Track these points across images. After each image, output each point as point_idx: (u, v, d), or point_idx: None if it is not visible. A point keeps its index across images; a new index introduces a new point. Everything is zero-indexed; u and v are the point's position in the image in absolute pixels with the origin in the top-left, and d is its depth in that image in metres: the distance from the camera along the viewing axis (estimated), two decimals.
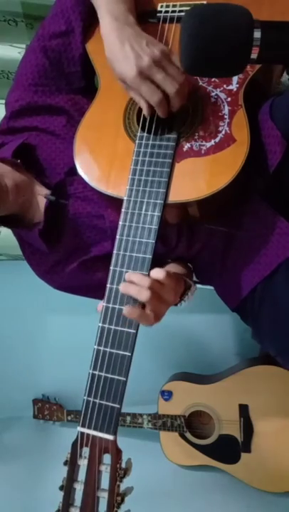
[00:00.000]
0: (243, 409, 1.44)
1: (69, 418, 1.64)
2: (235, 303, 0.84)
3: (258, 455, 1.43)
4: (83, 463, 0.59)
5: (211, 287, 0.92)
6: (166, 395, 1.53)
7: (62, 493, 0.58)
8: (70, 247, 0.83)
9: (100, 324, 0.63)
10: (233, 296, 0.83)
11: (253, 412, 1.43)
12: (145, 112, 0.69)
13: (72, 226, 0.82)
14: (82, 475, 0.58)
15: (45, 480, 1.45)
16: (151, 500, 1.33)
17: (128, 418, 1.55)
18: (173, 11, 0.76)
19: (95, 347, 0.63)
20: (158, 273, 0.62)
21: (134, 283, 0.62)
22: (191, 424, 1.54)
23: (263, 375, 1.43)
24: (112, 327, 0.63)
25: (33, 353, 1.69)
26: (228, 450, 1.46)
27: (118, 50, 0.67)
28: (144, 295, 0.60)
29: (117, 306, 0.63)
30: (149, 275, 0.63)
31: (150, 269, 0.64)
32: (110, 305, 0.64)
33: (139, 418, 1.54)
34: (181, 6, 0.75)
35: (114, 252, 0.66)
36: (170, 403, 1.53)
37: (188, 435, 1.51)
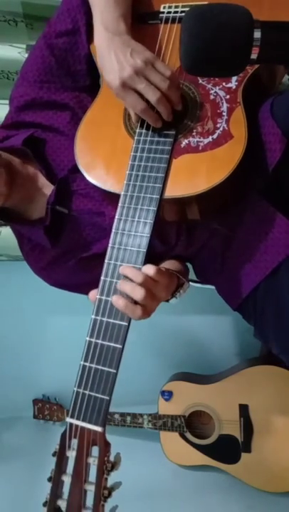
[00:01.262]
0: (243, 409, 1.44)
1: None
2: (236, 302, 0.84)
3: (258, 455, 1.43)
4: (72, 454, 0.58)
5: (212, 287, 0.91)
6: (167, 395, 1.53)
7: (50, 485, 0.57)
8: (70, 243, 0.84)
9: (93, 316, 0.64)
10: (234, 295, 0.83)
11: (253, 412, 1.43)
12: (133, 119, 0.72)
13: (73, 223, 0.82)
14: (70, 467, 0.58)
15: (45, 480, 1.45)
16: (151, 500, 1.33)
17: (128, 418, 1.55)
18: (175, 12, 0.76)
19: (87, 338, 0.63)
20: (149, 269, 0.63)
21: (128, 277, 0.62)
22: (191, 424, 1.54)
23: (263, 375, 1.43)
24: (105, 319, 0.63)
25: (33, 353, 1.69)
26: (228, 450, 1.46)
27: (106, 60, 0.68)
28: (137, 293, 0.61)
29: (110, 299, 0.63)
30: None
31: (144, 264, 0.64)
32: (104, 297, 0.64)
33: (140, 418, 1.54)
34: (183, 6, 0.76)
35: (110, 245, 0.67)
36: (170, 403, 1.53)
37: (188, 435, 1.51)
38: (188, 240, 0.83)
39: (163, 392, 1.54)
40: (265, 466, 1.43)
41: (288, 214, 0.77)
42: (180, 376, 1.58)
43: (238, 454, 1.45)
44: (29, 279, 0.91)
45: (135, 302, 0.62)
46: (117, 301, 0.61)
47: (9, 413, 1.71)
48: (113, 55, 0.67)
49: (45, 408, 1.67)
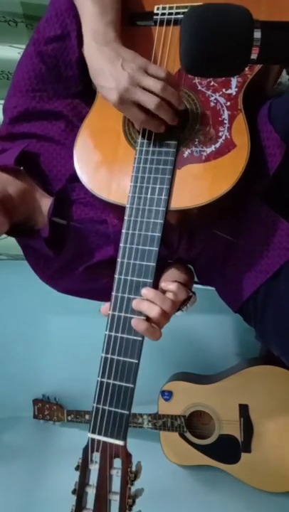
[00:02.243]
0: (243, 409, 1.44)
1: (69, 418, 1.64)
2: (237, 305, 0.84)
3: (259, 455, 1.43)
4: (94, 467, 0.60)
5: (212, 287, 0.92)
6: (167, 395, 1.53)
7: (74, 497, 0.59)
8: (74, 252, 0.83)
9: (107, 332, 0.64)
10: (235, 298, 0.83)
11: (253, 412, 1.43)
12: (137, 127, 0.71)
13: (76, 232, 0.82)
14: (93, 479, 0.60)
15: (45, 480, 1.45)
16: (151, 500, 1.33)
17: None
18: (170, 13, 0.75)
19: (103, 355, 0.63)
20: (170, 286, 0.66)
21: (155, 303, 0.63)
22: (191, 424, 1.54)
23: (263, 375, 1.43)
24: (119, 335, 0.63)
25: (33, 353, 1.69)
26: (228, 450, 1.46)
27: (98, 74, 0.68)
28: (153, 311, 0.62)
29: (122, 314, 0.64)
30: (158, 287, 0.65)
31: (154, 277, 0.65)
32: (116, 313, 0.64)
33: (139, 418, 1.54)
34: (178, 8, 0.74)
35: (119, 260, 0.66)
36: (170, 403, 1.53)
37: (188, 435, 1.52)
38: (189, 243, 0.83)
39: (163, 392, 1.54)
40: (265, 466, 1.43)
41: None
42: (180, 376, 1.58)
43: (238, 454, 1.45)
44: (29, 279, 0.91)
45: (147, 319, 0.63)
46: (138, 324, 0.62)
47: (9, 413, 1.71)
48: (105, 68, 0.66)
49: (45, 408, 1.68)
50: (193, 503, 1.45)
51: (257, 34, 0.46)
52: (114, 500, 0.58)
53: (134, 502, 0.57)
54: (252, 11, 0.47)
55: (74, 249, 0.83)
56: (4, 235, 0.80)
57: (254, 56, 0.47)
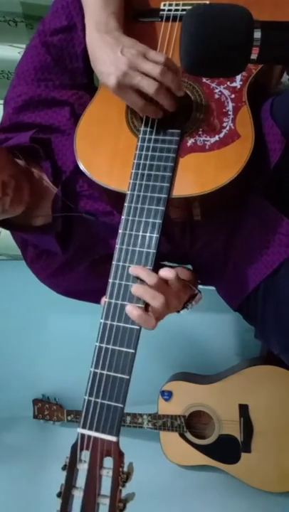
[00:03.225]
0: (243, 409, 1.44)
1: (69, 418, 1.64)
2: (237, 303, 0.84)
3: (258, 455, 1.43)
4: (83, 467, 0.56)
5: (212, 287, 0.92)
6: (166, 395, 1.53)
7: (59, 501, 0.54)
8: (80, 246, 0.82)
9: (102, 320, 0.61)
10: (235, 295, 0.83)
11: (253, 412, 1.43)
12: (140, 114, 0.71)
13: (83, 225, 0.81)
14: (81, 480, 0.55)
15: (45, 480, 1.45)
16: (151, 500, 1.33)
17: (128, 418, 1.55)
18: (176, 10, 0.75)
19: (97, 344, 0.61)
20: (168, 273, 0.61)
21: (140, 278, 0.61)
22: (191, 424, 1.54)
23: (263, 375, 1.43)
24: (115, 323, 0.61)
25: (33, 353, 1.69)
26: (228, 450, 1.46)
27: (98, 62, 0.68)
28: (157, 300, 0.59)
29: (119, 302, 0.61)
30: (156, 272, 0.61)
31: (154, 265, 0.63)
32: (113, 300, 0.62)
33: (139, 418, 1.54)
34: (184, 4, 0.75)
35: (117, 246, 0.65)
36: (170, 403, 1.53)
37: (188, 435, 1.51)
38: (191, 237, 0.82)
39: (163, 392, 1.54)
40: (265, 466, 1.43)
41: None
42: (180, 376, 1.58)
43: (238, 454, 1.45)
44: (29, 278, 0.90)
45: (146, 308, 0.61)
46: (132, 310, 0.59)
47: (9, 413, 1.71)
48: (105, 55, 0.66)
49: (45, 408, 1.67)
50: (193, 503, 1.45)
51: (257, 34, 0.46)
52: (104, 504, 0.53)
53: (124, 506, 0.53)
54: (253, 11, 0.47)
55: (80, 244, 0.82)
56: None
57: (254, 56, 0.47)
